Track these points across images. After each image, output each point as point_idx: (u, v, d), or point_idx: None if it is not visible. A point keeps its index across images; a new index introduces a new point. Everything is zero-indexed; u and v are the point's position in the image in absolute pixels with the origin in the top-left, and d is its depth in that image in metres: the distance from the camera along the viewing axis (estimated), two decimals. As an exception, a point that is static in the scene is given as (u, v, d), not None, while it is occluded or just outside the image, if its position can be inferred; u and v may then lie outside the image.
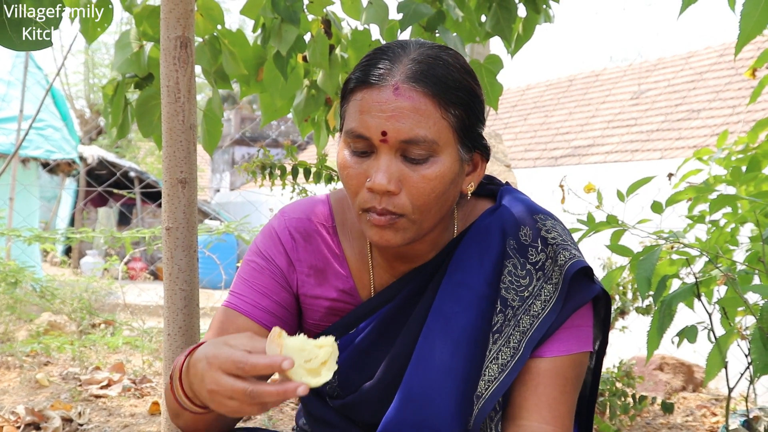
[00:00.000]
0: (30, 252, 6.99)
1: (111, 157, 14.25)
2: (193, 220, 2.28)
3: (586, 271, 1.48)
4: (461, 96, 1.38)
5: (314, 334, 1.60)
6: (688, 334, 2.34)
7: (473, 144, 1.44)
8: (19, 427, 2.85)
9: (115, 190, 8.04)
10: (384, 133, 1.34)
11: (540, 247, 1.49)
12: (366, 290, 1.58)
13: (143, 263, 13.45)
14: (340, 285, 1.58)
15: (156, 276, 12.80)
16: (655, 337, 2.34)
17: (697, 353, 4.62)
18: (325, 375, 1.14)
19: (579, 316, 1.48)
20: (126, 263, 7.91)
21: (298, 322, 1.63)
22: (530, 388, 1.43)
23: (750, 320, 2.59)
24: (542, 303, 1.45)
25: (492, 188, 1.63)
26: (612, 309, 1.64)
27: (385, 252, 1.53)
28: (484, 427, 1.44)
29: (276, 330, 1.16)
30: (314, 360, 1.14)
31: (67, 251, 13.70)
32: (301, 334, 1.18)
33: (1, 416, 2.92)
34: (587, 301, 1.47)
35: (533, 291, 1.46)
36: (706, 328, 2.40)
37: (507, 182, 1.66)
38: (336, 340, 1.57)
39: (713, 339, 2.36)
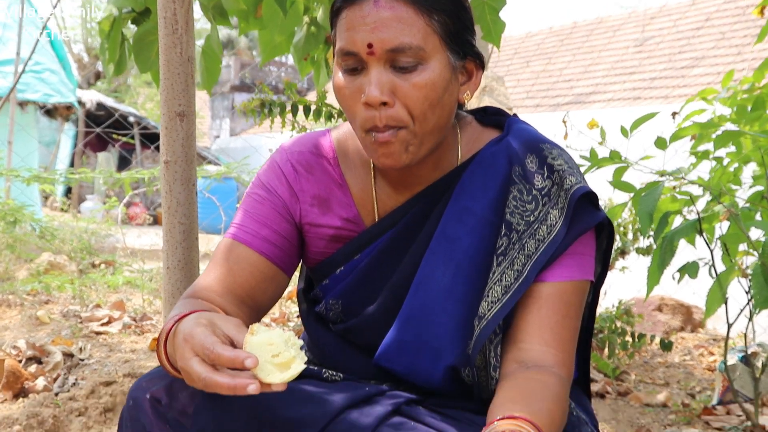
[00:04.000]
0: (29, 193, 6.98)
1: (110, 101, 14.17)
2: (192, 153, 2.26)
3: (591, 198, 1.48)
4: (443, 2, 1.39)
5: (318, 262, 1.61)
6: (689, 270, 2.33)
7: (463, 51, 1.44)
8: (20, 361, 2.87)
9: (115, 134, 8.00)
10: (370, 45, 1.36)
11: (546, 174, 1.48)
12: (370, 217, 1.57)
13: (143, 208, 13.45)
14: (343, 213, 1.57)
15: (156, 221, 12.82)
16: (655, 273, 2.33)
17: (696, 294, 4.64)
18: (294, 369, 1.14)
19: (582, 244, 1.48)
20: (126, 206, 7.89)
21: (300, 253, 1.63)
22: (532, 312, 1.43)
23: (750, 261, 2.59)
24: (548, 227, 1.45)
25: (499, 119, 1.62)
26: (613, 245, 1.64)
27: (389, 176, 1.53)
28: (484, 349, 1.44)
29: (252, 326, 1.16)
30: (283, 354, 1.14)
31: (67, 192, 13.67)
32: (275, 329, 1.18)
33: (2, 350, 2.94)
34: (592, 226, 1.47)
35: (539, 216, 1.46)
36: (707, 264, 2.40)
37: (515, 113, 1.64)
38: (340, 266, 1.59)
39: (714, 275, 2.35)
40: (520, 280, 1.44)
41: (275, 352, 1.14)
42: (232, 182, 9.73)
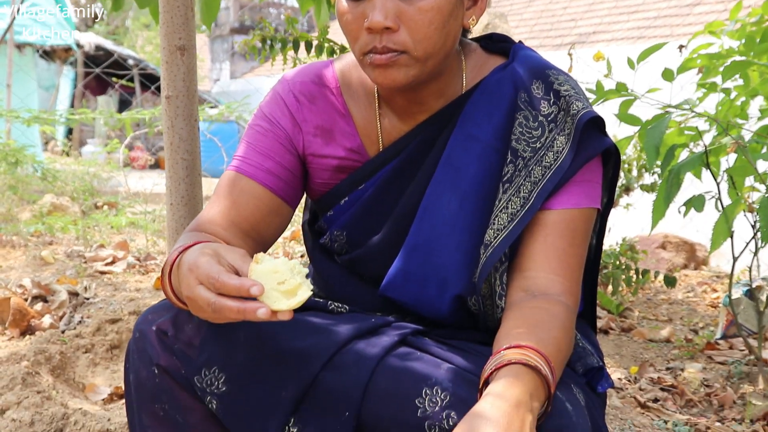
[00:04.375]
0: (30, 135, 6.94)
1: (108, 44, 14.01)
2: (193, 88, 2.23)
3: (598, 124, 1.46)
4: None
5: (322, 194, 1.59)
6: (695, 203, 2.32)
7: None
8: (26, 300, 2.88)
9: (114, 78, 7.92)
10: None
11: (552, 100, 1.46)
12: (374, 147, 1.55)
13: (144, 151, 13.41)
14: (347, 143, 1.55)
15: (158, 164, 12.78)
16: (661, 206, 2.32)
17: (699, 232, 4.63)
18: (300, 296, 1.13)
19: (589, 171, 1.47)
20: (128, 148, 7.85)
21: (303, 185, 1.61)
22: (539, 240, 1.42)
23: (755, 196, 2.57)
24: (554, 154, 1.44)
25: (504, 46, 1.59)
26: (620, 173, 1.62)
27: (393, 105, 1.51)
28: (490, 278, 1.43)
29: (257, 255, 1.15)
30: (288, 282, 1.13)
31: (68, 135, 13.60)
32: (280, 257, 1.17)
33: (7, 289, 2.95)
34: (598, 152, 1.45)
35: (545, 142, 1.44)
36: (713, 197, 2.38)
37: (520, 41, 1.61)
38: (344, 197, 1.57)
39: (720, 208, 2.34)
40: (526, 208, 1.42)
41: (281, 280, 1.13)
42: (233, 125, 9.66)
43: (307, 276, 1.17)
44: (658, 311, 3.65)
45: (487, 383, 1.21)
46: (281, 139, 1.55)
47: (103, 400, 2.17)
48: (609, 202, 1.61)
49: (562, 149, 1.44)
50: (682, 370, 2.72)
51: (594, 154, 1.46)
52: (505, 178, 1.45)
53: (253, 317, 1.09)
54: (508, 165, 1.45)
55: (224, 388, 1.34)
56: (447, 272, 1.48)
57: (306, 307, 1.51)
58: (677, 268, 4.41)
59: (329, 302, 1.53)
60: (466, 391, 1.26)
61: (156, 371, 1.39)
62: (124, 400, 2.16)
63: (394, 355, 1.36)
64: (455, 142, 1.49)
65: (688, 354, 2.94)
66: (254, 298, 1.11)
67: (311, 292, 1.13)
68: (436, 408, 1.25)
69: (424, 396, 1.27)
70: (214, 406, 1.35)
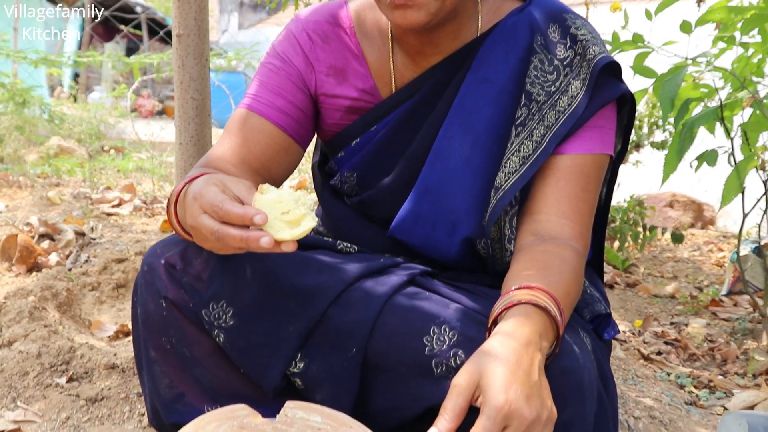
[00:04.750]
0: (36, 78, 6.88)
1: (116, -11, 13.85)
2: (205, 26, 2.20)
3: (614, 70, 1.44)
4: None
5: (333, 135, 1.58)
6: (708, 157, 2.29)
7: None
8: (33, 237, 2.88)
9: (122, 27, 7.83)
10: None
11: (569, 44, 1.44)
12: (387, 88, 1.53)
13: (151, 100, 13.33)
14: (360, 84, 1.54)
15: (164, 112, 12.73)
16: (673, 159, 2.30)
17: (707, 192, 4.62)
18: (305, 226, 1.11)
19: (603, 117, 1.45)
20: (135, 93, 7.79)
21: (314, 125, 1.60)
22: (550, 184, 1.41)
23: None
24: (569, 99, 1.42)
25: None
26: (634, 121, 1.60)
27: (407, 47, 1.49)
28: (500, 221, 1.42)
29: (262, 186, 1.13)
30: (292, 212, 1.11)
31: (75, 78, 13.51)
32: (285, 188, 1.15)
33: (14, 226, 2.95)
34: (614, 98, 1.43)
35: (560, 87, 1.42)
36: (726, 152, 2.36)
37: None
38: (356, 138, 1.56)
39: (733, 163, 2.32)
40: (539, 151, 1.41)
41: (285, 210, 1.11)
42: (240, 75, 9.60)
43: (316, 218, 1.16)
44: (664, 269, 3.65)
45: (495, 323, 1.20)
46: (293, 77, 1.53)
47: (108, 337, 2.17)
48: (622, 151, 1.60)
49: (577, 94, 1.43)
50: (686, 325, 2.73)
51: (609, 99, 1.44)
52: (518, 121, 1.43)
53: (256, 246, 1.08)
54: (521, 108, 1.44)
55: (232, 322, 1.34)
56: (457, 215, 1.47)
57: (314, 246, 1.51)
58: (684, 227, 4.40)
59: (338, 242, 1.53)
60: (475, 330, 1.26)
61: (164, 304, 1.39)
62: (129, 338, 2.17)
63: (403, 294, 1.36)
64: (469, 85, 1.48)
65: (692, 310, 2.94)
66: (258, 229, 1.10)
67: (315, 223, 1.12)
68: (444, 346, 1.26)
69: (431, 334, 1.27)
70: (222, 340, 1.35)
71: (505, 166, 1.42)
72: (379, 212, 1.56)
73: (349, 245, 1.52)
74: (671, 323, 2.78)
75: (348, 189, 1.59)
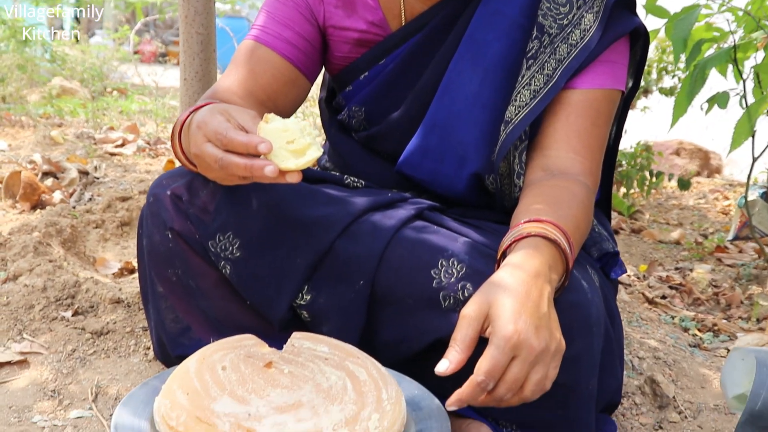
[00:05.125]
0: (38, 18, 6.79)
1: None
2: (210, -41, 2.17)
3: (628, 3, 1.42)
4: None
5: (341, 68, 1.56)
6: (719, 100, 2.26)
7: None
8: (36, 175, 2.87)
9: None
10: None
11: None
12: (396, 21, 1.50)
13: (154, 46, 13.19)
14: (368, 16, 1.51)
15: (167, 55, 12.60)
16: (683, 102, 2.27)
17: (714, 141, 4.58)
18: (310, 155, 1.09)
19: (616, 51, 1.42)
20: (137, 34, 7.67)
21: (322, 59, 1.57)
22: (561, 119, 1.39)
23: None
24: (581, 32, 1.39)
25: None
26: (647, 57, 1.58)
27: None
28: (509, 156, 1.40)
29: (267, 115, 1.11)
30: (298, 141, 1.09)
31: (76, 19, 13.31)
32: (291, 118, 1.13)
33: (18, 164, 2.93)
34: (627, 31, 1.41)
35: (573, 20, 1.39)
36: (738, 94, 2.33)
37: None
38: (364, 72, 1.53)
39: (744, 105, 2.29)
40: (550, 85, 1.38)
41: (290, 139, 1.09)
42: (243, 21, 9.51)
43: (322, 148, 1.14)
44: (669, 216, 3.64)
45: (504, 256, 1.19)
46: (301, 8, 1.50)
47: (113, 274, 2.17)
48: (634, 87, 1.57)
49: (590, 27, 1.40)
50: (691, 270, 2.72)
51: (622, 33, 1.41)
52: (530, 54, 1.41)
53: (260, 174, 1.06)
54: (533, 41, 1.41)
55: (238, 254, 1.33)
56: (465, 149, 1.45)
57: (321, 180, 1.50)
58: (690, 174, 4.38)
59: (345, 176, 1.51)
60: (483, 263, 1.25)
61: (170, 235, 1.38)
62: (134, 275, 2.17)
63: (411, 227, 1.35)
64: (480, 18, 1.45)
65: (697, 256, 2.94)
66: (263, 158, 1.08)
67: (321, 153, 1.10)
68: (452, 279, 1.25)
69: (439, 267, 1.26)
70: (228, 272, 1.34)
71: (516, 100, 1.40)
72: (386, 147, 1.54)
73: (356, 180, 1.51)
74: (676, 268, 2.77)
75: (356, 124, 1.57)
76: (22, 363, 1.62)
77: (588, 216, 1.33)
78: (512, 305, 1.05)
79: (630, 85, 1.55)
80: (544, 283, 1.11)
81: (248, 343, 1.14)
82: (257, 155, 1.08)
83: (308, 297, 1.33)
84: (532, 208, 1.26)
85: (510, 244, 1.19)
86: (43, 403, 1.50)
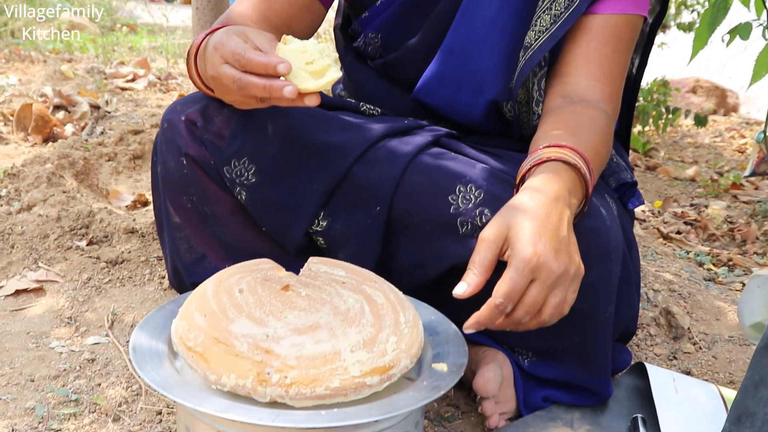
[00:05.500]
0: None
1: None
2: None
3: (655, -77, 1.37)
4: None
5: None
6: (741, 31, 2.21)
7: None
8: (47, 108, 2.85)
9: None
10: None
11: None
12: None
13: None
14: None
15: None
16: (704, 34, 2.22)
17: (731, 79, 4.52)
18: (329, 76, 1.07)
19: (639, -25, 1.38)
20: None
21: None
22: (581, 45, 1.36)
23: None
24: None
25: None
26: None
27: None
28: (528, 83, 1.38)
29: (285, 36, 1.09)
30: (317, 62, 1.06)
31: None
32: (310, 39, 1.10)
33: (29, 96, 2.91)
34: (653, -47, 1.37)
35: None
36: (761, 25, 2.28)
37: None
38: None
39: (766, 37, 2.24)
40: (571, 10, 1.35)
41: (309, 60, 1.07)
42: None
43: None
44: (684, 153, 3.60)
45: (523, 181, 1.18)
46: (315, -69, 1.47)
47: (126, 206, 2.17)
48: (660, 15, 1.53)
49: None
50: (706, 206, 2.71)
51: (646, -45, 1.37)
52: None
53: (279, 95, 1.05)
54: None
55: (254, 180, 1.32)
56: (483, 76, 1.42)
57: (337, 107, 1.48)
58: (707, 112, 4.32)
59: (361, 103, 1.49)
60: (501, 189, 1.24)
61: (184, 161, 1.37)
62: (146, 208, 2.17)
63: (428, 153, 1.33)
64: None
65: (712, 192, 2.91)
66: (282, 78, 1.07)
67: (340, 74, 1.08)
68: (470, 205, 1.23)
69: (457, 193, 1.25)
70: (244, 198, 1.33)
71: (535, 25, 1.36)
72: (403, 74, 1.51)
73: (372, 107, 1.48)
74: (691, 205, 2.75)
75: (372, 51, 1.54)
76: (39, 291, 1.63)
77: (608, 143, 1.31)
78: (532, 228, 1.04)
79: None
80: (563, 207, 1.09)
81: (265, 266, 1.13)
82: (276, 76, 1.07)
83: (324, 223, 1.32)
84: (551, 134, 1.24)
85: (529, 169, 1.17)
86: (60, 329, 1.51)
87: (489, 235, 1.05)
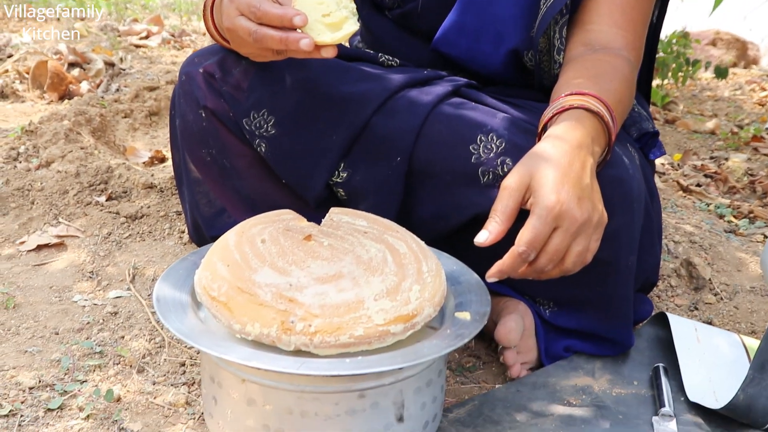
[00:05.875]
0: None
1: None
2: None
3: None
4: None
5: None
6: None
7: None
8: (63, 65, 2.84)
9: None
10: None
11: None
12: None
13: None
14: None
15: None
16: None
17: (752, 31, 4.44)
18: (346, 29, 1.06)
19: None
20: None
21: None
22: None
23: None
24: None
25: None
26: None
27: None
28: (549, 31, 1.35)
29: None
30: (334, 14, 1.05)
31: None
32: None
33: (44, 54, 2.90)
34: None
35: None
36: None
37: None
38: None
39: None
40: None
41: (326, 12, 1.06)
42: None
43: (358, 22, 1.10)
44: (703, 107, 3.55)
45: (545, 130, 1.17)
46: None
47: (143, 163, 2.17)
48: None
49: None
50: (726, 159, 2.68)
51: None
52: None
53: (296, 48, 1.04)
54: None
55: (274, 131, 1.31)
56: (503, 25, 1.40)
57: (355, 58, 1.46)
58: (727, 64, 4.26)
59: (380, 54, 1.47)
60: (523, 138, 1.23)
61: (203, 114, 1.37)
62: (164, 164, 2.17)
63: (448, 103, 1.32)
64: None
65: (732, 145, 2.88)
66: (298, 31, 1.06)
67: (357, 27, 1.07)
68: (491, 154, 1.23)
69: (478, 142, 1.24)
70: (263, 150, 1.33)
71: (557, -28, 1.34)
72: (421, 25, 1.49)
73: (391, 58, 1.47)
74: (711, 157, 2.72)
75: (389, 2, 1.52)
76: (60, 246, 1.64)
77: (631, 91, 1.29)
78: (555, 176, 1.03)
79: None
80: (586, 155, 1.08)
81: (287, 217, 1.13)
82: (292, 28, 1.06)
83: (344, 174, 1.31)
84: (573, 82, 1.22)
85: (551, 117, 1.16)
86: (82, 283, 1.52)
87: (511, 183, 1.04)
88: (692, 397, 1.21)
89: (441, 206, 1.27)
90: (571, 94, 1.17)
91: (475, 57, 1.44)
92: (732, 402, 1.15)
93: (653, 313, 1.42)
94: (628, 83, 1.28)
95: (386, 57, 1.47)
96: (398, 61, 1.47)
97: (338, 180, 1.31)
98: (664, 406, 1.19)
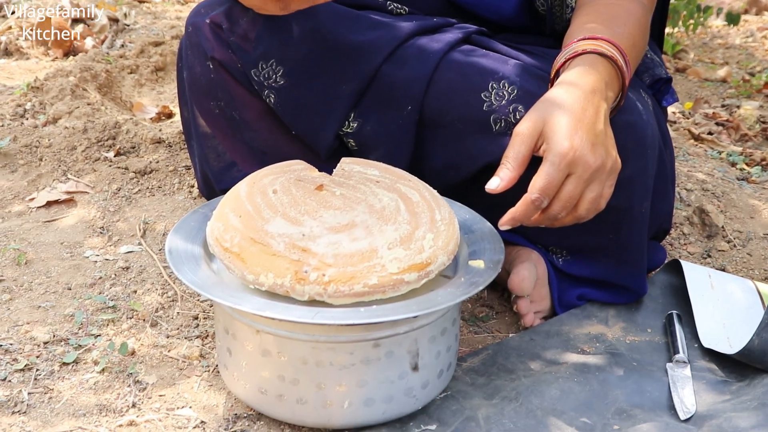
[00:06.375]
0: None
1: None
2: None
3: None
4: None
5: None
6: None
7: None
8: (66, 21, 2.81)
9: None
10: None
11: None
12: None
13: None
14: None
15: None
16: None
17: (764, -24, 4.36)
18: None
19: None
20: None
21: None
22: None
23: None
24: None
25: None
26: None
27: None
28: None
29: None
30: None
31: None
32: None
33: (47, 10, 2.87)
34: None
35: None
36: None
37: None
38: None
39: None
40: None
41: None
42: None
43: None
44: (714, 55, 3.51)
45: (557, 76, 1.15)
46: None
47: (150, 119, 2.15)
48: None
49: None
50: (738, 107, 2.65)
51: None
52: None
53: None
54: None
55: (282, 82, 1.30)
56: None
57: (363, 6, 1.44)
58: (739, 9, 4.19)
59: (388, 2, 1.45)
60: (535, 85, 1.21)
61: (211, 66, 1.35)
62: (171, 120, 2.15)
63: (459, 51, 1.30)
64: None
65: (744, 93, 2.85)
66: None
67: None
68: (503, 102, 1.21)
69: (490, 90, 1.22)
70: (272, 101, 1.31)
71: None
72: None
73: (399, 6, 1.44)
74: (722, 105, 2.69)
75: None
76: (69, 202, 1.64)
77: (644, 34, 1.27)
78: (568, 122, 1.01)
79: None
80: (600, 101, 1.07)
81: (298, 167, 1.12)
82: None
83: (355, 124, 1.30)
84: (586, 27, 1.20)
85: (564, 63, 1.14)
86: (93, 239, 1.52)
87: (524, 129, 1.03)
88: (706, 343, 1.21)
89: (452, 155, 1.26)
90: (583, 39, 1.15)
91: (486, 3, 1.41)
92: (747, 347, 1.14)
93: (666, 261, 1.41)
94: (642, 27, 1.26)
95: (395, 5, 1.44)
96: (407, 9, 1.44)
97: (349, 130, 1.30)
98: (678, 352, 1.19)
